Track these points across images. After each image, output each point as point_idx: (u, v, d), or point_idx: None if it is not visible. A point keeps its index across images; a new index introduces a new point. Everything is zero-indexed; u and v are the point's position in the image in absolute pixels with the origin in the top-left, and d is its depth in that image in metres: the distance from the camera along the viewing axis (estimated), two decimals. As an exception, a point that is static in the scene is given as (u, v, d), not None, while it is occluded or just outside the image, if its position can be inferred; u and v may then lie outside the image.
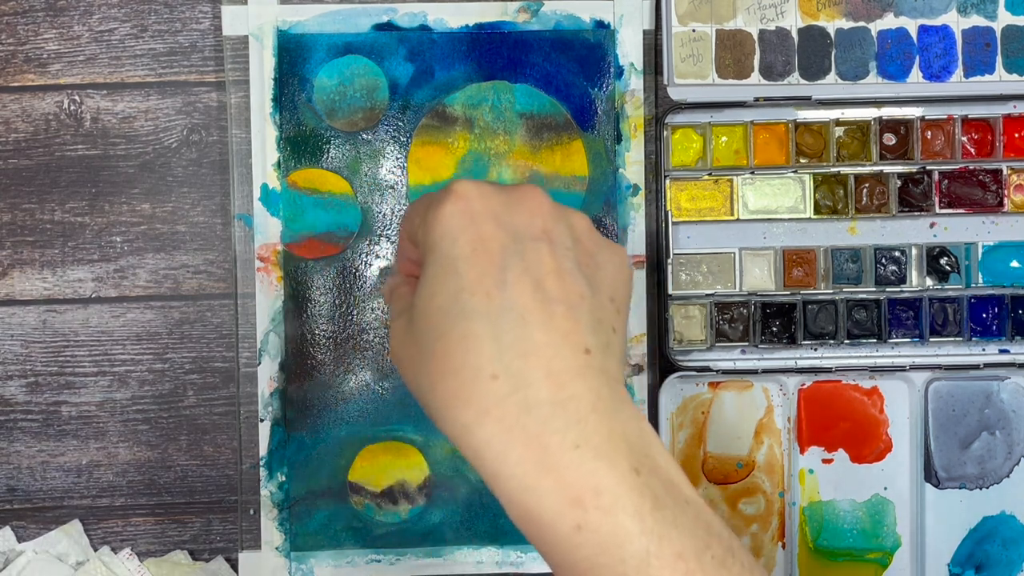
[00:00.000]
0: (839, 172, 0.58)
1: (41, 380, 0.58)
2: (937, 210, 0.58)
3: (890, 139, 0.58)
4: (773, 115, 0.58)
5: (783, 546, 0.59)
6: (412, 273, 0.40)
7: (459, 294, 0.35)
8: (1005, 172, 0.58)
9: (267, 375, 0.57)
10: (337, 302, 0.57)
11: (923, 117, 0.58)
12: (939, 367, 0.58)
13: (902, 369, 0.58)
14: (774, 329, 0.58)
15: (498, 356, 0.35)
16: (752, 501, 0.59)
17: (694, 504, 0.35)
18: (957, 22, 0.58)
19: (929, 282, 0.58)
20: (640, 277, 0.58)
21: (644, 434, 0.36)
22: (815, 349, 0.58)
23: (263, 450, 0.57)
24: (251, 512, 0.58)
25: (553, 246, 0.37)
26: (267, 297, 0.57)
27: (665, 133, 0.58)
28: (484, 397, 0.34)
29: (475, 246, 0.36)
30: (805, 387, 0.59)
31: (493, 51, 0.58)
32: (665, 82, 0.57)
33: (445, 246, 0.36)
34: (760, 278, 0.58)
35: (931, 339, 0.58)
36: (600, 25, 0.58)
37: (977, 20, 0.58)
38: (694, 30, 0.57)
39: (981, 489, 0.59)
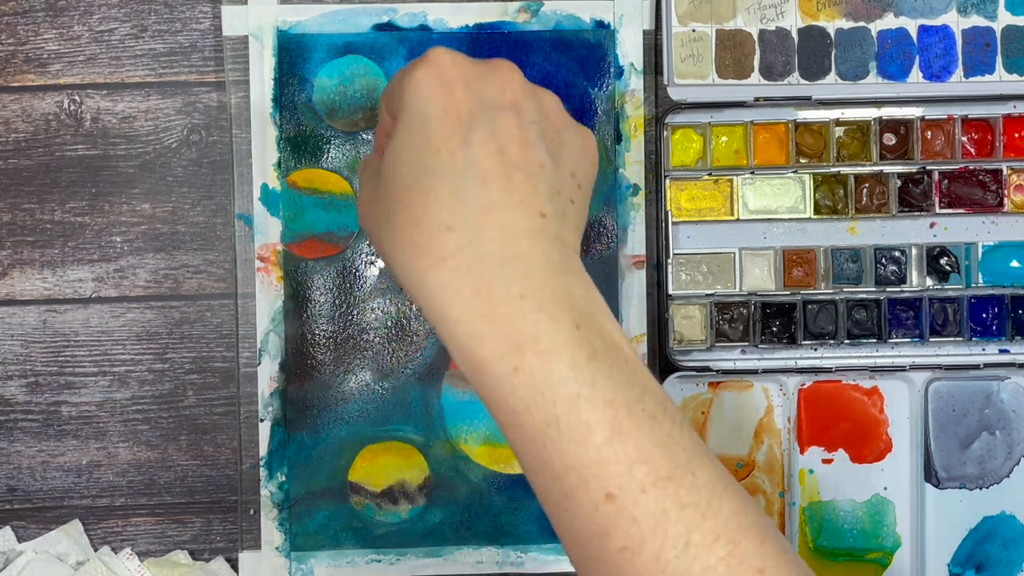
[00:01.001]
0: (839, 172, 0.58)
1: (41, 380, 0.58)
2: (937, 210, 0.58)
3: (890, 139, 0.58)
4: (773, 115, 0.58)
5: (783, 546, 0.59)
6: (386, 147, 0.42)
7: (424, 151, 0.37)
8: (1005, 172, 0.58)
9: (267, 375, 0.57)
10: (337, 302, 0.57)
11: (923, 117, 0.58)
12: (939, 367, 0.58)
13: (902, 369, 0.58)
14: (774, 329, 0.58)
15: (456, 210, 0.36)
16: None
17: (632, 363, 0.37)
18: (957, 22, 0.58)
19: (929, 282, 0.59)
20: (640, 277, 0.58)
21: (591, 297, 0.38)
22: (815, 349, 0.58)
23: (263, 450, 0.57)
24: (251, 512, 0.58)
25: (520, 117, 0.39)
26: (267, 297, 0.57)
27: (665, 133, 0.58)
28: (440, 247, 0.36)
29: (445, 107, 0.38)
30: (805, 387, 0.59)
31: (493, 51, 0.58)
32: (665, 82, 0.57)
33: (416, 106, 0.38)
34: (760, 278, 0.58)
35: (931, 339, 0.58)
36: (600, 25, 0.58)
37: (977, 20, 0.58)
38: (694, 30, 0.57)
39: (981, 489, 0.59)
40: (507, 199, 0.37)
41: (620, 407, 0.35)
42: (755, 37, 0.57)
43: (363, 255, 0.58)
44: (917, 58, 0.58)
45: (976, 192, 0.58)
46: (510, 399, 0.36)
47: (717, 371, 0.58)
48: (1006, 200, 0.58)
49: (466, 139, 0.37)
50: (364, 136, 0.57)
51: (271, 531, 0.57)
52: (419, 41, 0.57)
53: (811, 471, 0.59)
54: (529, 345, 0.35)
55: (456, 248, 0.36)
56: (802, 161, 0.58)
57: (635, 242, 0.58)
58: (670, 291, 0.58)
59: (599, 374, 0.35)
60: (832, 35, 0.58)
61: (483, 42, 0.57)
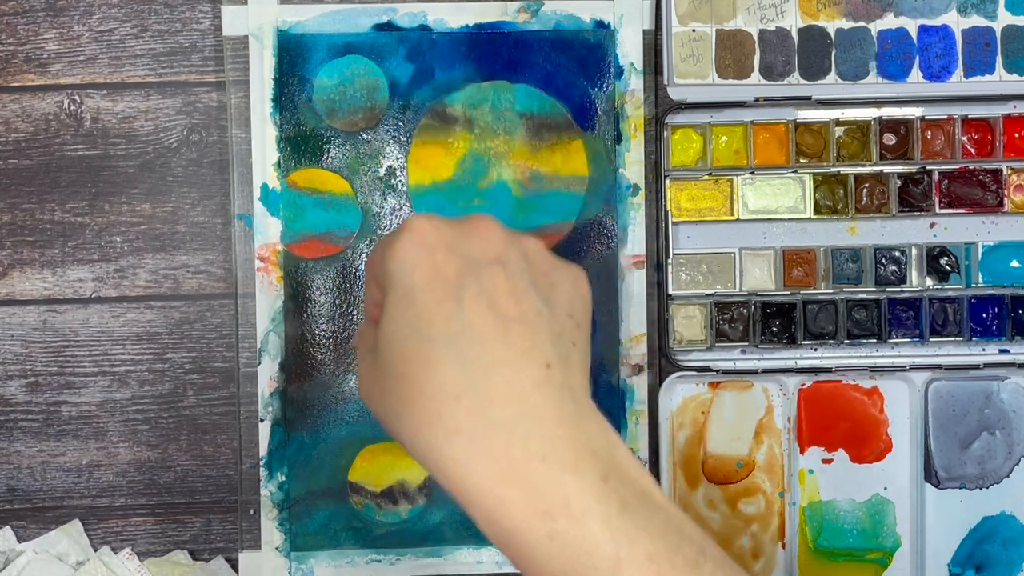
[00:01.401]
0: (839, 172, 0.58)
1: (41, 380, 0.58)
2: (937, 210, 0.58)
3: (890, 139, 0.58)
4: (773, 115, 0.58)
5: (783, 546, 0.59)
6: (379, 318, 0.41)
7: (418, 320, 0.37)
8: (1005, 172, 0.58)
9: (267, 375, 0.57)
10: (337, 302, 0.57)
11: (923, 117, 0.58)
12: (939, 367, 0.58)
13: (902, 369, 0.58)
14: (774, 329, 0.58)
15: (461, 377, 0.36)
16: (752, 501, 0.59)
17: (664, 508, 0.36)
18: (957, 22, 0.58)
19: (929, 282, 0.59)
20: (640, 277, 0.58)
21: (611, 443, 0.36)
22: (815, 349, 0.58)
23: (263, 450, 0.57)
24: (251, 512, 0.58)
25: (507, 268, 0.38)
26: (267, 297, 0.57)
27: (665, 133, 0.58)
28: (450, 418, 0.35)
29: (431, 273, 0.37)
30: (805, 387, 0.59)
31: (493, 51, 0.58)
32: (665, 82, 0.57)
33: (402, 277, 0.37)
34: (760, 278, 0.58)
35: (931, 339, 0.58)
36: (600, 25, 0.58)
37: (977, 20, 0.58)
38: (694, 30, 0.57)
39: (981, 489, 0.59)
40: (509, 354, 0.36)
41: (662, 561, 0.34)
42: (755, 37, 0.57)
43: (363, 255, 0.58)
44: (917, 58, 0.58)
45: (976, 192, 0.58)
46: (547, 568, 0.35)
47: (717, 371, 0.58)
48: (1006, 200, 0.58)
49: (457, 302, 0.37)
50: (364, 136, 0.57)
51: (271, 531, 0.57)
52: (419, 41, 0.57)
53: (811, 471, 0.59)
54: (560, 510, 0.34)
55: (466, 416, 0.35)
56: (802, 161, 0.58)
57: (635, 242, 0.58)
58: (670, 291, 0.58)
59: (635, 528, 0.35)
60: (832, 35, 0.58)
61: (483, 42, 0.57)
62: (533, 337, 0.37)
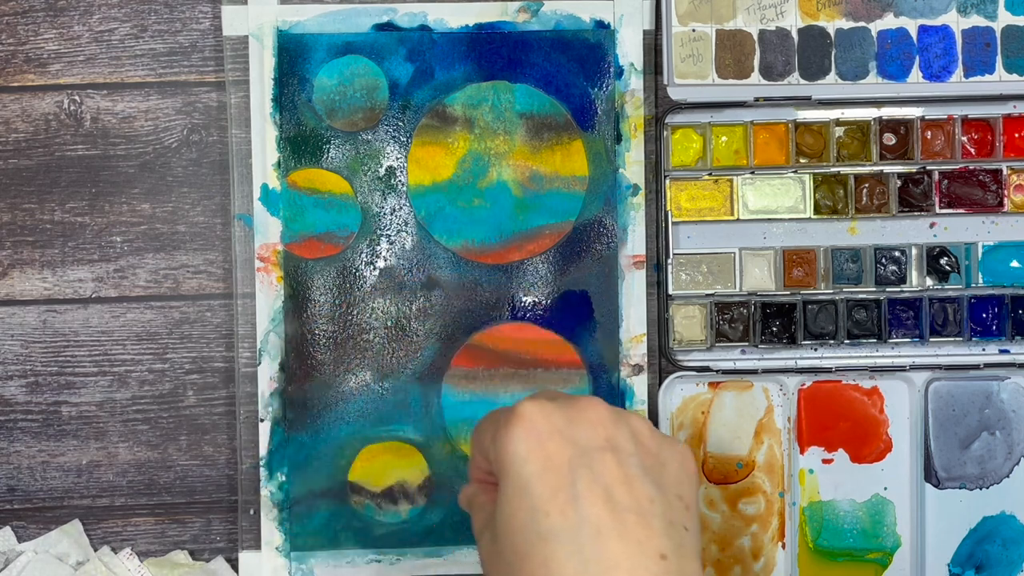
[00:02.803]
0: (839, 172, 0.58)
1: (41, 380, 0.58)
2: (937, 210, 0.58)
3: (890, 139, 0.58)
4: (773, 115, 0.58)
5: (783, 546, 0.59)
6: (485, 481, 0.43)
7: (535, 513, 0.38)
8: (1005, 172, 0.58)
9: (267, 375, 0.57)
10: (337, 302, 0.57)
11: (923, 117, 0.58)
12: (939, 367, 0.58)
13: (902, 369, 0.58)
14: (774, 329, 0.58)
15: (581, 573, 0.37)
16: (752, 501, 0.59)
17: None
18: (957, 22, 0.58)
19: (929, 282, 0.59)
20: (640, 277, 0.58)
21: None
22: (815, 349, 0.58)
23: (263, 450, 0.57)
24: (251, 512, 0.58)
25: (617, 453, 0.39)
26: (267, 297, 0.57)
27: (665, 133, 0.58)
28: None
29: (544, 464, 0.38)
30: (805, 387, 0.59)
31: (493, 51, 0.58)
32: (665, 82, 0.57)
33: (516, 467, 0.39)
34: (760, 278, 0.58)
35: (931, 339, 0.58)
36: (600, 25, 0.58)
37: (977, 20, 0.58)
38: (694, 30, 0.57)
39: (981, 489, 0.59)
40: (626, 548, 0.37)
41: None
42: (755, 37, 0.57)
43: (363, 255, 0.58)
44: (917, 58, 0.58)
45: (976, 192, 0.58)
46: None
47: (717, 371, 0.58)
48: (1006, 200, 0.58)
49: (572, 493, 0.38)
50: (364, 136, 0.57)
51: (271, 531, 0.57)
52: (419, 41, 0.57)
53: (811, 471, 0.59)
54: None
55: None
56: (802, 161, 0.58)
57: (635, 242, 0.58)
58: (670, 291, 0.58)
59: None
60: (832, 35, 0.58)
61: (483, 42, 0.57)
62: (648, 528, 0.38)
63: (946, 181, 0.58)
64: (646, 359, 0.58)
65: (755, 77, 0.57)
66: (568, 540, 0.37)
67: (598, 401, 0.41)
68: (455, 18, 0.57)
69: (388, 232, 0.58)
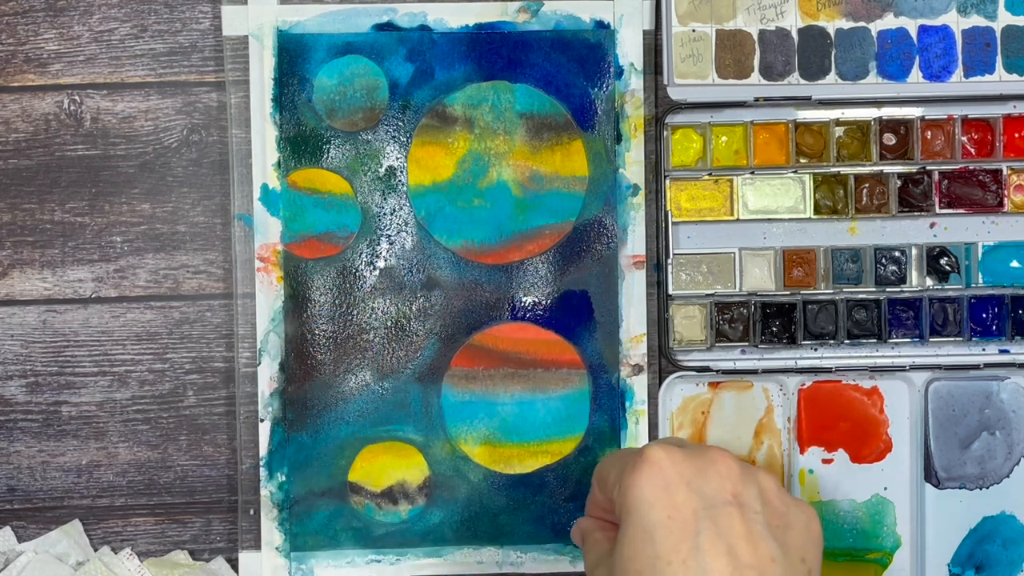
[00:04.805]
0: (839, 172, 0.58)
1: (41, 380, 0.58)
2: (937, 210, 0.58)
3: (890, 139, 0.58)
4: (773, 115, 0.58)
5: (783, 546, 0.59)
6: (602, 518, 0.43)
7: (656, 561, 0.38)
8: (1005, 172, 0.58)
9: (267, 375, 0.57)
10: (337, 302, 0.57)
11: (923, 117, 0.58)
12: (939, 367, 0.58)
13: (902, 369, 0.58)
14: (774, 329, 0.58)
15: None
16: (752, 501, 0.59)
17: None
18: (957, 22, 0.58)
19: (929, 282, 0.59)
20: (640, 277, 0.58)
21: None
22: (815, 349, 0.58)
23: (263, 450, 0.57)
24: (251, 512, 0.58)
25: (743, 510, 0.39)
26: (267, 297, 0.57)
27: (665, 133, 0.58)
28: None
29: (670, 513, 0.38)
30: (805, 387, 0.59)
31: (493, 51, 0.58)
32: (665, 82, 0.57)
33: (642, 512, 0.39)
34: (760, 278, 0.58)
35: (931, 339, 0.58)
36: (600, 25, 0.58)
37: (977, 20, 0.58)
38: (694, 30, 0.57)
39: (981, 489, 0.59)
40: None
41: None
42: (755, 37, 0.57)
43: (363, 255, 0.58)
44: (917, 58, 0.58)
45: (976, 192, 0.58)
46: None
47: (717, 371, 0.58)
48: (1006, 200, 0.58)
49: (695, 544, 0.38)
50: (364, 136, 0.57)
51: (271, 531, 0.57)
52: (419, 41, 0.57)
53: (811, 471, 0.59)
54: None
55: None
56: (802, 161, 0.58)
57: (635, 242, 0.58)
58: (670, 291, 0.58)
59: None
60: (832, 35, 0.58)
61: (483, 42, 0.57)
62: None
63: (946, 181, 0.58)
64: (646, 359, 0.58)
65: (755, 77, 0.57)
66: None
67: (727, 454, 0.41)
68: (455, 18, 0.57)
69: (388, 232, 0.58)
